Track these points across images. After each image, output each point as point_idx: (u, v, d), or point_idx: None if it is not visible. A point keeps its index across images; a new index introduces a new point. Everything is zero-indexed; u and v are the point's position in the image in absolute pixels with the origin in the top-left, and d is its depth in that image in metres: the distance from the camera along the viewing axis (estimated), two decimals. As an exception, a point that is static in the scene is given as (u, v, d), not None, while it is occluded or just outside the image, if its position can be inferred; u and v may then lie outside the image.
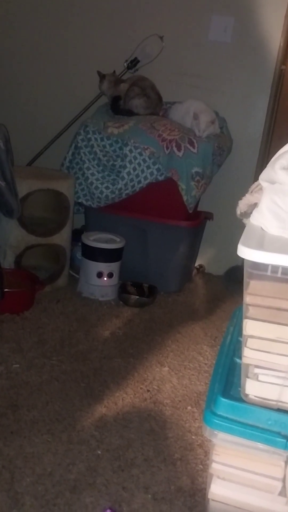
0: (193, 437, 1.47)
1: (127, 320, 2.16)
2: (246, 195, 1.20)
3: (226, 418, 1.06)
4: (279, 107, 2.61)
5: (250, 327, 1.04)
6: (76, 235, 2.46)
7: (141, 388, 1.68)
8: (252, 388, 1.07)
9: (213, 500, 1.15)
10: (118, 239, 2.35)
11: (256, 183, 1.20)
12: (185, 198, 2.29)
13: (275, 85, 2.53)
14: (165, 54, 2.55)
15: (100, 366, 1.78)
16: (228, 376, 1.16)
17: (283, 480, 1.07)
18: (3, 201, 2.03)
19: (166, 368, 1.82)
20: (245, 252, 0.94)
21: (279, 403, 1.06)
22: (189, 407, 1.61)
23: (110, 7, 2.62)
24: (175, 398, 1.65)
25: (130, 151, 2.26)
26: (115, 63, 2.58)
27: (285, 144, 1.16)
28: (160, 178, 2.29)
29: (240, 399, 1.08)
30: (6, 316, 2.03)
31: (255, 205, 1.13)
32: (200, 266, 2.81)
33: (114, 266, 2.32)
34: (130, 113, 2.44)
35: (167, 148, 2.23)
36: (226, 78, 2.56)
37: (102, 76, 2.50)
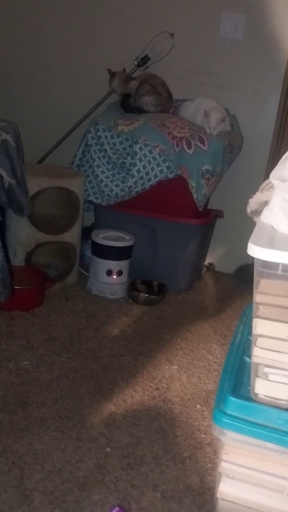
0: (202, 435, 1.47)
1: (136, 318, 2.16)
2: (257, 193, 1.20)
3: (236, 417, 1.06)
4: (291, 105, 2.60)
5: (260, 326, 1.04)
6: (86, 232, 2.47)
7: (150, 386, 1.68)
8: (262, 388, 1.06)
9: (221, 499, 1.14)
10: (127, 237, 2.35)
11: (266, 181, 1.19)
12: (195, 196, 2.29)
13: (286, 82, 2.52)
14: (175, 51, 2.54)
15: (109, 363, 1.78)
16: (237, 375, 1.15)
17: (293, 480, 1.06)
18: (13, 199, 2.04)
19: (175, 366, 1.82)
20: (255, 250, 0.93)
21: (289, 403, 1.05)
22: (198, 406, 1.60)
23: (121, 5, 2.61)
24: (184, 396, 1.65)
25: (140, 148, 2.26)
26: (125, 60, 2.58)
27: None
28: (170, 176, 2.28)
29: (249, 399, 1.07)
30: (16, 313, 2.04)
31: (265, 203, 1.12)
32: (210, 264, 2.80)
33: (123, 264, 2.33)
34: (140, 110, 2.43)
35: (177, 145, 2.22)
36: (237, 75, 2.54)
37: (112, 74, 2.50)
